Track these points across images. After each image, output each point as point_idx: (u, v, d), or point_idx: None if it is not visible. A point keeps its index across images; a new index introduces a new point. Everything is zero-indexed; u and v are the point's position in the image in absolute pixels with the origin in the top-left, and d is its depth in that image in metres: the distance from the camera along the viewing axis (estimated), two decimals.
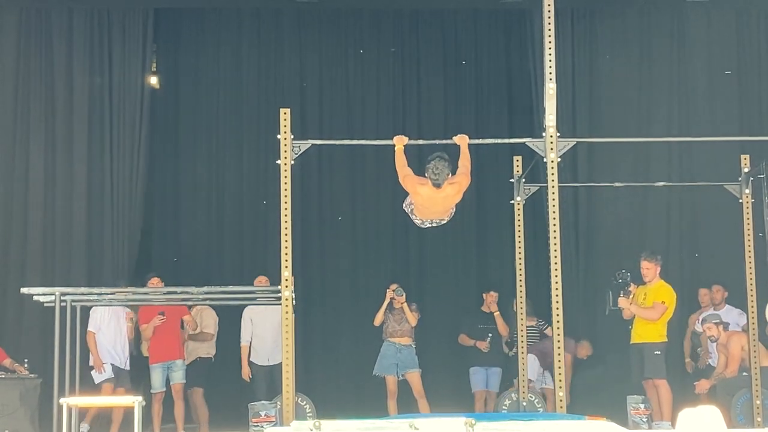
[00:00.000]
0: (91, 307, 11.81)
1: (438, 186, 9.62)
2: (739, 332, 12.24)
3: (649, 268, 11.69)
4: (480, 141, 10.55)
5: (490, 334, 13.15)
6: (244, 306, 12.54)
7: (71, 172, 13.66)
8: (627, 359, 11.90)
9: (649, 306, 11.59)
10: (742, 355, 11.88)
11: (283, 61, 14.53)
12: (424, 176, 9.66)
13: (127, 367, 12.41)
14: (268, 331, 12.55)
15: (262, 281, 12.34)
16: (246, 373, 12.66)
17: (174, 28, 14.35)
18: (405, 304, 12.77)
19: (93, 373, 12.18)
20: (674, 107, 14.23)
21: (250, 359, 12.70)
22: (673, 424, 9.66)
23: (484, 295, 13.43)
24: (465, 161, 9.75)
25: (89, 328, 12.18)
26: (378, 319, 12.81)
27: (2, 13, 13.87)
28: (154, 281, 12.34)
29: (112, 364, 12.24)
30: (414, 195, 9.80)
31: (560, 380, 9.53)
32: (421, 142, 10.56)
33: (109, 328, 12.30)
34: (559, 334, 9.55)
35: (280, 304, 9.73)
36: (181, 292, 11.16)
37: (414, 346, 12.87)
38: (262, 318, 12.60)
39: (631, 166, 13.94)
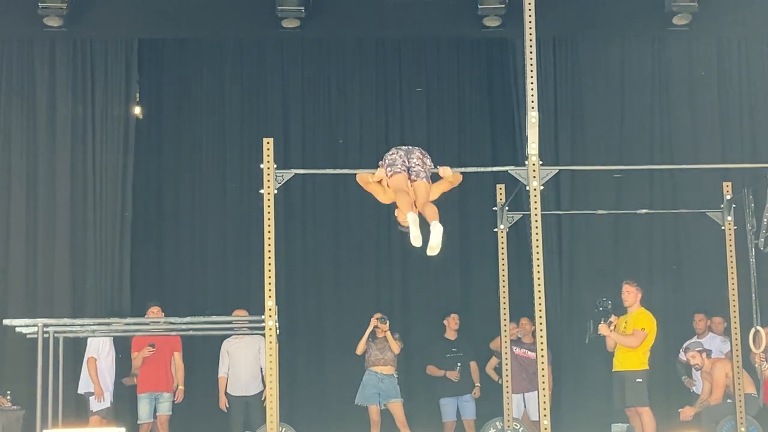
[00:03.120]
0: (74, 338, 11.76)
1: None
2: (722, 359, 12.27)
3: (630, 292, 11.72)
4: (463, 169, 10.53)
5: (459, 363, 13.16)
6: (224, 337, 12.61)
7: (54, 202, 13.63)
8: (610, 387, 11.92)
9: (629, 333, 11.61)
10: (726, 382, 11.90)
11: (266, 90, 14.52)
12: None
13: (108, 404, 12.39)
14: (244, 363, 12.67)
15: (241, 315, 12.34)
16: (223, 403, 12.76)
17: (156, 58, 14.33)
18: (388, 332, 12.78)
19: (92, 399, 12.13)
20: (656, 135, 14.30)
21: (227, 391, 12.79)
22: None
23: (444, 321, 13.45)
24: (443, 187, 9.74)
25: (90, 354, 12.15)
26: (360, 348, 12.83)
27: None
28: (154, 310, 12.34)
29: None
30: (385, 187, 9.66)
31: (545, 408, 9.51)
32: None
33: (108, 358, 12.28)
34: (543, 363, 9.55)
35: (263, 334, 9.71)
36: (164, 323, 11.13)
37: (396, 376, 12.87)
38: (238, 350, 12.72)
39: (614, 194, 13.98)
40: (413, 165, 9.48)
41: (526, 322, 13.11)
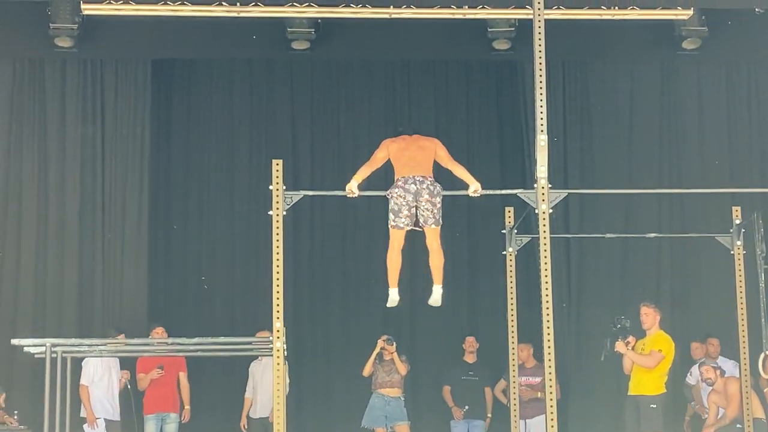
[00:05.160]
0: (82, 358, 11.76)
1: (408, 134, 9.91)
2: (736, 378, 12.19)
3: (648, 314, 11.63)
4: (471, 192, 10.55)
5: (466, 406, 13.13)
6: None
7: (63, 222, 13.67)
8: (619, 410, 11.87)
9: (646, 354, 11.55)
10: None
11: (275, 112, 14.55)
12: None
13: (118, 418, 12.38)
14: (266, 385, 12.60)
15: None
16: (243, 423, 12.77)
17: (166, 78, 14.36)
18: (395, 354, 12.75)
19: (85, 427, 12.15)
20: (665, 158, 14.31)
21: (248, 413, 12.79)
22: None
23: (463, 345, 13.44)
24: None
25: (82, 381, 12.15)
26: (367, 370, 12.81)
27: None
28: (158, 331, 12.34)
29: (105, 419, 12.20)
30: (391, 156, 9.93)
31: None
32: None
33: (102, 380, 12.28)
34: (551, 386, 9.52)
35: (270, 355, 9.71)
36: (172, 343, 11.12)
37: (403, 398, 12.84)
38: (262, 372, 12.69)
39: (623, 217, 13.98)
40: (422, 208, 9.69)
41: (523, 348, 13.05)
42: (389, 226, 9.82)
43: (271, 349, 9.68)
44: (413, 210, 9.70)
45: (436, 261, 9.84)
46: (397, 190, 9.75)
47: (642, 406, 11.42)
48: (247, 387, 13.00)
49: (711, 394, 12.34)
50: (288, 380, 12.89)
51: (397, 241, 9.81)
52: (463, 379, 13.30)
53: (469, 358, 13.47)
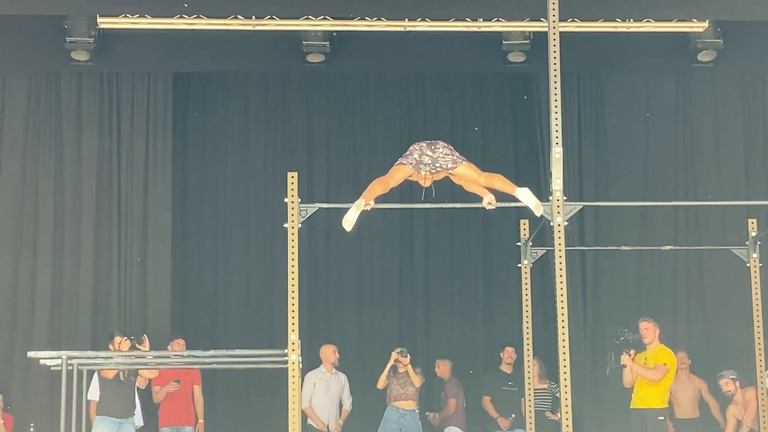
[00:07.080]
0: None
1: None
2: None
3: (648, 329, 11.67)
4: (486, 204, 10.55)
5: (513, 415, 13.06)
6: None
7: (79, 235, 13.70)
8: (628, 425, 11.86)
9: (650, 367, 11.55)
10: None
11: (290, 124, 14.58)
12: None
13: (142, 423, 12.37)
14: (329, 397, 12.52)
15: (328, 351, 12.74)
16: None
17: (182, 91, 14.40)
18: (409, 366, 12.73)
19: None
20: (680, 171, 14.29)
21: (309, 423, 12.63)
22: None
23: (501, 354, 13.38)
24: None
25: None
26: (381, 382, 12.79)
27: (12, 78, 13.99)
28: (180, 342, 12.35)
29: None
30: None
31: None
32: (428, 205, 10.54)
33: None
34: (567, 398, 9.50)
35: (287, 367, 9.69)
36: (188, 356, 11.13)
37: (418, 412, 12.82)
38: (325, 385, 12.60)
39: (638, 230, 13.96)
40: (440, 156, 9.23)
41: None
42: (395, 164, 9.30)
43: (286, 362, 9.67)
44: (425, 159, 9.19)
45: (497, 183, 9.33)
46: (411, 146, 9.36)
47: (649, 419, 11.44)
48: (303, 395, 12.43)
49: (730, 406, 12.32)
50: (350, 398, 12.94)
51: (395, 175, 9.28)
52: (504, 389, 13.23)
53: (506, 369, 13.39)
